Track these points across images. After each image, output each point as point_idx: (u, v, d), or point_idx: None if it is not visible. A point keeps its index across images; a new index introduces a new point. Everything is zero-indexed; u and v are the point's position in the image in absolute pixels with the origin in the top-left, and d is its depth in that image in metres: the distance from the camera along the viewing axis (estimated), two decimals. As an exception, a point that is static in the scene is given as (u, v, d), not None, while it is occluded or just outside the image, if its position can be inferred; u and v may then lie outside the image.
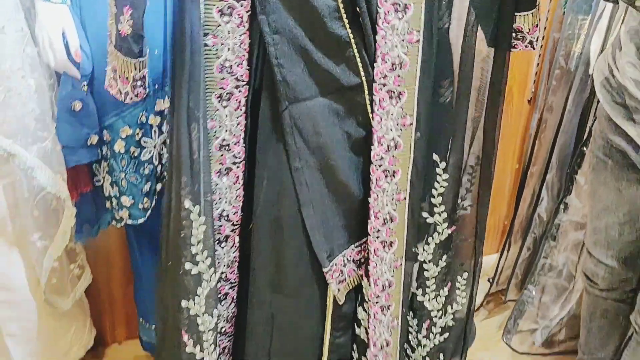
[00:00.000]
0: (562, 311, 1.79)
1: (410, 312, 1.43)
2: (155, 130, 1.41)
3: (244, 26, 1.12)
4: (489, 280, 2.01)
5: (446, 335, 1.44)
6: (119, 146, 1.37)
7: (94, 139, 1.36)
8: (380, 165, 1.23)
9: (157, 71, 1.35)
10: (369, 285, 1.31)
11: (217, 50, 1.11)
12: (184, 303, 1.20)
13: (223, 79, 1.14)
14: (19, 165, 1.28)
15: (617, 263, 1.41)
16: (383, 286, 1.31)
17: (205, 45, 1.10)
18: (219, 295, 1.28)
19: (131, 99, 1.10)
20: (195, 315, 1.22)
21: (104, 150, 1.39)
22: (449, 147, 1.29)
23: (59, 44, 1.25)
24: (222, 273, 1.27)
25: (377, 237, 1.27)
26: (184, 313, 1.21)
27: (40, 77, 1.28)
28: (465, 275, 1.42)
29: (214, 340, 1.26)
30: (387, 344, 1.36)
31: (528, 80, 2.00)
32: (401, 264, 1.30)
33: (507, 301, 2.00)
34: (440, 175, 1.30)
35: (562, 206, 1.70)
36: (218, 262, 1.24)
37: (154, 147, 1.41)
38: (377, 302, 1.32)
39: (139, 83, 1.10)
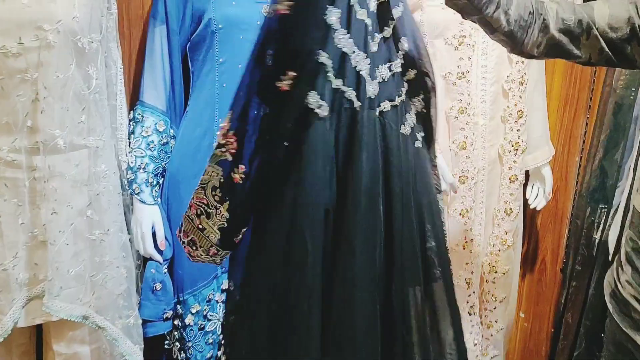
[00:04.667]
0: None
1: None
2: (220, 306, 1.63)
3: None
4: None
5: None
6: (189, 320, 1.59)
7: (169, 313, 1.58)
8: None
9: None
10: None
11: None
12: None
13: None
14: (106, 336, 1.51)
15: None
16: None
17: None
18: None
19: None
20: None
21: (175, 321, 1.61)
22: None
23: (148, 236, 1.51)
24: None
25: None
26: None
27: (131, 262, 1.53)
28: None
29: None
30: None
31: (560, 251, 2.15)
32: None
33: None
34: None
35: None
36: None
37: (218, 319, 1.63)
38: None
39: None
